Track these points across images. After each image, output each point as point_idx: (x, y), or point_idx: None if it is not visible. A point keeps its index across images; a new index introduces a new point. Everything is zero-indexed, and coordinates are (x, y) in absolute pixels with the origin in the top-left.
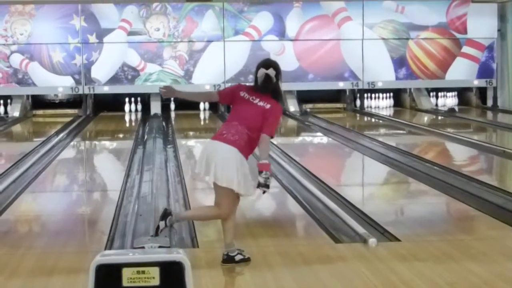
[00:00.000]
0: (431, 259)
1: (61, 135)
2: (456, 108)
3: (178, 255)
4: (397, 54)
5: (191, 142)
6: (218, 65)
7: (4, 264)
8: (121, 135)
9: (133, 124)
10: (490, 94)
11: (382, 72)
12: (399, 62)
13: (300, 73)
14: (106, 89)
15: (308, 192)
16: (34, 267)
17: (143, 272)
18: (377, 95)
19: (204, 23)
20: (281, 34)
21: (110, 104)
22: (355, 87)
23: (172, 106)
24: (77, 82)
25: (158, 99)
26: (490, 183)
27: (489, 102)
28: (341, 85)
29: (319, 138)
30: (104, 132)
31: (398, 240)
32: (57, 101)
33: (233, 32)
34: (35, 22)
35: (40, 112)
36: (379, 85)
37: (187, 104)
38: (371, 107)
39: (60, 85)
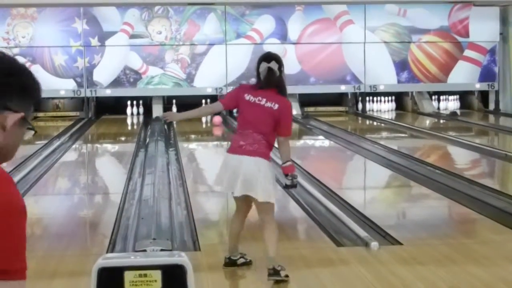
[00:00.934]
0: (433, 262)
1: (63, 138)
2: (458, 112)
3: (180, 258)
4: (399, 58)
5: (193, 145)
6: (220, 68)
7: None
8: (123, 138)
9: (135, 127)
10: (492, 97)
11: (384, 75)
12: (401, 66)
13: (302, 76)
14: (108, 92)
15: (310, 195)
16: (35, 270)
17: (145, 275)
18: (379, 98)
19: (206, 26)
20: (283, 37)
21: (112, 107)
22: (357, 91)
23: (174, 109)
24: (79, 85)
25: (160, 102)
26: (492, 186)
27: (491, 106)
28: (343, 88)
29: (321, 142)
30: (106, 135)
31: (400, 243)
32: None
33: (235, 35)
34: (37, 25)
35: (41, 114)
36: (381, 88)
37: (189, 107)
38: (373, 110)
39: (62, 88)
